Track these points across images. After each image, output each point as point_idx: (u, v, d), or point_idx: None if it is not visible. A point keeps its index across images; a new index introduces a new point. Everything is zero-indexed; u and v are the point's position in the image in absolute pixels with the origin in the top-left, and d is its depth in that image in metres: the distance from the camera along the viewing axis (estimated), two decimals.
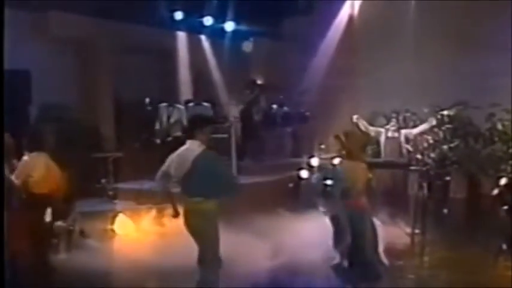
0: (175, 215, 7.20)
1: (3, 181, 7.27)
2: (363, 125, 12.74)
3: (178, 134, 13.68)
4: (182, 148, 7.17)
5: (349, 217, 7.15)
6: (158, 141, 13.85)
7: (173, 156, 7.14)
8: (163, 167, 7.12)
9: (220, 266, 7.01)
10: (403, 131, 12.95)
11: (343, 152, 7.57)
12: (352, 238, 7.13)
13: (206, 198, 6.90)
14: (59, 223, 9.33)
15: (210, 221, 6.97)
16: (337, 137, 7.64)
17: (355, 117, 12.70)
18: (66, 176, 8.20)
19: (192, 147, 7.08)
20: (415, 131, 13.14)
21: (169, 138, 13.75)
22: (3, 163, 7.38)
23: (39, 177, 7.80)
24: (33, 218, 7.79)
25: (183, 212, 7.07)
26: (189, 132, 7.31)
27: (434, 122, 13.20)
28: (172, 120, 13.95)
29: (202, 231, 6.96)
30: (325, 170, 8.39)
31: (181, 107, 14.36)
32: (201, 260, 6.98)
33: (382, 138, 12.62)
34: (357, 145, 7.55)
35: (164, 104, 14.03)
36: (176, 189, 7.20)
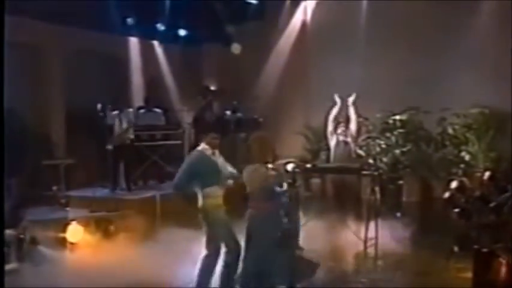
0: None
1: (3, 181, 7.18)
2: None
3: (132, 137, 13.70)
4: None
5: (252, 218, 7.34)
6: (110, 147, 13.71)
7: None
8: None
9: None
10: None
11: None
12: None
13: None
14: (9, 231, 9.17)
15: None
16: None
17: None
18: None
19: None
20: (353, 128, 12.79)
21: (128, 142, 13.71)
22: (3, 163, 7.27)
23: None
24: None
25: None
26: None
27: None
28: (124, 125, 13.85)
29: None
30: None
31: (130, 110, 14.27)
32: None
33: (333, 143, 12.56)
34: (261, 149, 7.64)
35: (116, 112, 13.91)
36: None
